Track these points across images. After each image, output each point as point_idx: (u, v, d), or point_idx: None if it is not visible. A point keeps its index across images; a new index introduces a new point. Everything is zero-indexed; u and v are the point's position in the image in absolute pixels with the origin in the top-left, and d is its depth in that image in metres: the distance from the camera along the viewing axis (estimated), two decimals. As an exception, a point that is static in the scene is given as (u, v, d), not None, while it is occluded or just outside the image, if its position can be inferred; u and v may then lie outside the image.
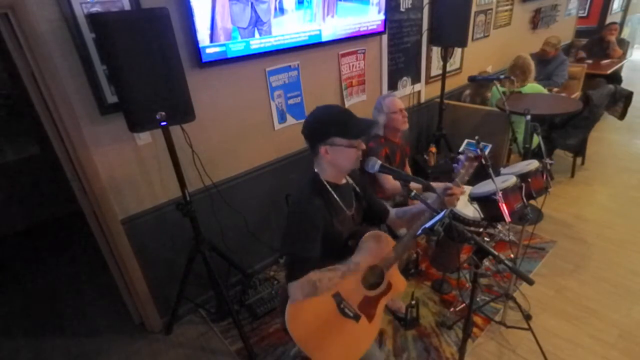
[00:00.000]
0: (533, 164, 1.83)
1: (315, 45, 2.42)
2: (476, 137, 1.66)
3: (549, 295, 2.37)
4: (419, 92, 3.52)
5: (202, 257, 2.05)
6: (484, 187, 1.76)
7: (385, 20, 2.74)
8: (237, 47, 2.06)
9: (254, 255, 2.70)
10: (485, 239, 2.60)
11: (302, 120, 2.55)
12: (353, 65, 2.81)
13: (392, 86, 3.20)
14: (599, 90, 3.47)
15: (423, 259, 2.67)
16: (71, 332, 2.44)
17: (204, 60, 1.96)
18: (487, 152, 2.83)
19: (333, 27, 2.47)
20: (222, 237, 2.38)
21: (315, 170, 1.46)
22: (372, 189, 2.38)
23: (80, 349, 2.30)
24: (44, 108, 1.76)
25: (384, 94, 2.63)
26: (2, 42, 1.65)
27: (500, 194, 1.58)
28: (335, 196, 1.46)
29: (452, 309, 2.30)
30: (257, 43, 2.13)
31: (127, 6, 1.71)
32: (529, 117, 2.39)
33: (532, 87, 3.33)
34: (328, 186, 1.45)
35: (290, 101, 2.52)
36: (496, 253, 1.23)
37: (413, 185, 1.38)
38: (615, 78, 4.94)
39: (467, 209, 1.93)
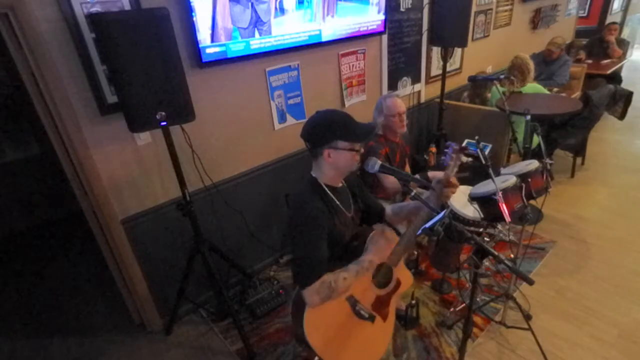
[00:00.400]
0: (533, 164, 1.83)
1: (315, 45, 2.42)
2: (476, 137, 1.67)
3: (549, 295, 2.37)
4: (419, 92, 3.52)
5: (202, 257, 2.05)
6: (484, 187, 1.76)
7: (385, 20, 2.74)
8: (237, 47, 2.06)
9: (254, 255, 2.70)
10: (485, 239, 2.60)
11: (302, 121, 2.61)
12: (353, 65, 2.81)
13: (392, 86, 3.20)
14: (599, 90, 3.47)
15: (423, 259, 2.67)
16: (71, 332, 2.44)
17: (204, 60, 1.96)
18: (487, 152, 2.84)
19: (333, 27, 2.47)
20: (222, 237, 2.39)
21: (313, 174, 1.47)
22: (372, 189, 2.40)
23: (80, 349, 2.30)
24: (44, 108, 1.76)
25: (386, 94, 2.62)
26: (2, 42, 1.65)
27: (500, 194, 1.58)
28: (334, 199, 1.47)
29: (452, 309, 2.30)
30: (257, 43, 2.14)
31: (127, 6, 1.71)
32: (529, 117, 2.39)
33: (533, 87, 3.33)
34: (327, 189, 1.45)
35: (290, 101, 2.52)
36: (496, 253, 1.23)
37: (413, 184, 1.38)
38: (615, 78, 4.94)
39: (467, 209, 1.93)
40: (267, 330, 2.27)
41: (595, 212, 3.15)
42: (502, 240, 2.82)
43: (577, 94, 4.38)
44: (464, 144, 2.95)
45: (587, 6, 6.52)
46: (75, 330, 2.45)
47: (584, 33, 5.95)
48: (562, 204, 3.26)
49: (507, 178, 1.72)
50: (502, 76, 2.79)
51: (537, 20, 4.90)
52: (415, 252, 2.59)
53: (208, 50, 1.96)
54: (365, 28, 2.66)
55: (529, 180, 1.75)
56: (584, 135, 3.54)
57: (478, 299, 2.31)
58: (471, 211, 1.89)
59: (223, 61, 2.04)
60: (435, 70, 3.57)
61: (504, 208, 1.57)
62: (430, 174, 2.30)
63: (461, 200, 1.93)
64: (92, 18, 1.59)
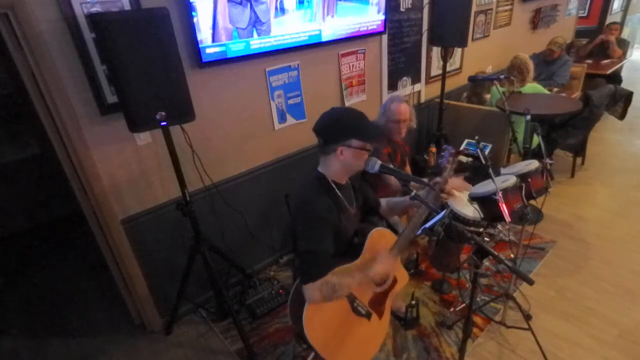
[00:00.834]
0: (533, 164, 1.83)
1: (315, 45, 2.42)
2: (476, 137, 1.67)
3: (549, 295, 2.37)
4: (419, 92, 3.52)
5: (202, 257, 2.05)
6: (484, 187, 1.76)
7: (385, 20, 2.74)
8: (237, 47, 2.06)
9: (254, 255, 2.70)
10: (485, 239, 2.60)
11: (303, 120, 2.61)
12: (353, 65, 2.81)
13: (392, 86, 3.20)
14: (599, 90, 3.47)
15: (423, 259, 2.67)
16: (71, 332, 2.44)
17: (204, 60, 1.96)
18: (487, 152, 2.84)
19: (333, 27, 2.47)
20: (222, 237, 2.39)
21: (320, 170, 1.48)
22: (373, 188, 2.40)
23: (80, 349, 2.30)
24: (44, 108, 1.76)
25: (394, 96, 2.58)
26: (2, 42, 1.65)
27: (500, 194, 1.58)
28: (340, 195, 1.48)
29: (452, 309, 2.30)
30: (257, 43, 2.13)
31: (127, 6, 1.71)
32: (529, 117, 2.39)
33: (533, 87, 3.33)
34: (334, 185, 1.46)
35: (290, 101, 2.52)
36: (496, 253, 1.24)
37: (413, 184, 1.39)
38: (615, 78, 4.94)
39: (467, 209, 1.93)
40: (267, 330, 2.27)
41: (595, 212, 3.15)
42: (502, 240, 2.82)
43: (577, 94, 4.38)
44: (464, 144, 2.95)
45: (587, 6, 6.52)
46: (75, 330, 2.45)
47: (584, 33, 5.94)
48: (562, 204, 3.26)
49: (507, 178, 1.72)
50: (502, 76, 2.78)
51: (537, 20, 4.90)
52: (415, 253, 2.59)
53: (208, 50, 1.96)
54: (365, 28, 2.66)
55: (529, 180, 1.75)
56: (584, 135, 3.54)
57: (478, 299, 2.31)
58: (471, 211, 1.89)
59: (223, 61, 2.04)
60: (435, 70, 3.57)
61: (504, 208, 1.57)
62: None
63: (461, 200, 1.93)
64: (92, 18, 1.59)
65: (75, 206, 2.32)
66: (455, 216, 1.98)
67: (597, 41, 5.19)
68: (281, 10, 2.16)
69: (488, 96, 3.75)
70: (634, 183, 3.52)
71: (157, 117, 1.60)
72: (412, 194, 1.35)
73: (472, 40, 3.85)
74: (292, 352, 2.10)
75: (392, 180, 2.28)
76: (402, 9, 3.00)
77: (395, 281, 1.59)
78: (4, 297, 2.83)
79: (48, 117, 1.78)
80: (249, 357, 2.10)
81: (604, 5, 6.40)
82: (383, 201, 1.75)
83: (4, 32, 1.60)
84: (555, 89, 4.04)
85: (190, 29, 1.89)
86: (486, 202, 1.69)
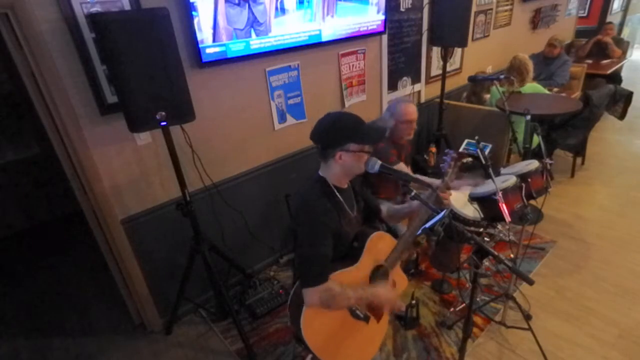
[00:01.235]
0: (533, 164, 1.83)
1: (315, 45, 2.42)
2: (476, 137, 1.67)
3: (549, 295, 2.37)
4: (419, 92, 3.52)
5: (202, 257, 2.05)
6: (484, 187, 1.76)
7: (385, 20, 2.74)
8: (237, 47, 2.06)
9: (254, 255, 2.70)
10: (485, 239, 2.60)
11: (302, 121, 2.61)
12: (353, 65, 2.81)
13: (392, 86, 3.20)
14: (599, 90, 3.47)
15: (423, 259, 2.67)
16: (71, 332, 2.44)
17: (204, 60, 1.96)
18: (487, 152, 2.83)
19: (333, 27, 2.47)
20: (222, 237, 2.39)
21: (322, 174, 1.47)
22: (374, 189, 2.40)
23: (80, 349, 2.30)
24: (44, 108, 1.76)
25: (400, 98, 2.59)
26: (2, 42, 1.65)
27: (500, 194, 1.58)
28: (341, 199, 1.47)
29: (452, 309, 2.30)
30: (257, 43, 2.13)
31: (127, 6, 1.71)
32: (529, 117, 2.39)
33: (533, 87, 3.33)
34: (335, 190, 1.46)
35: (290, 101, 2.52)
36: (496, 253, 1.24)
37: (413, 184, 1.39)
38: (615, 78, 4.94)
39: (467, 209, 1.93)
40: (267, 330, 2.27)
41: (595, 212, 3.15)
42: (502, 240, 2.82)
43: (577, 94, 4.38)
44: (464, 144, 2.95)
45: (587, 6, 6.52)
46: (75, 330, 2.45)
47: (584, 33, 5.95)
48: (562, 204, 3.26)
49: (507, 178, 1.72)
50: (501, 76, 2.78)
51: (537, 20, 4.90)
52: (415, 253, 2.59)
53: (208, 50, 1.96)
54: (365, 28, 2.66)
55: (529, 180, 1.75)
56: (584, 135, 3.54)
57: (478, 299, 2.31)
58: (471, 211, 1.89)
59: (223, 61, 2.04)
60: (435, 70, 3.57)
61: (504, 208, 1.57)
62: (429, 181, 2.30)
63: (461, 200, 1.93)
64: (92, 18, 1.59)
65: (75, 206, 2.32)
66: (455, 216, 1.99)
67: (593, 40, 5.20)
68: (281, 10, 2.16)
69: (487, 96, 3.75)
70: (634, 183, 3.53)
71: (157, 117, 1.60)
72: (412, 193, 1.35)
73: (472, 40, 3.85)
74: (292, 352, 2.10)
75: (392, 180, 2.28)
76: (402, 9, 3.00)
77: (393, 285, 1.59)
78: (4, 297, 2.83)
79: (48, 117, 1.78)
80: (249, 357, 2.10)
81: (604, 5, 6.40)
82: (384, 207, 1.74)
83: (4, 32, 1.60)
84: (555, 89, 4.04)
85: (190, 29, 1.89)
86: (486, 202, 1.69)
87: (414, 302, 2.16)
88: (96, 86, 1.74)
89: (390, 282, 1.57)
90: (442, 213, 1.24)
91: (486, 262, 2.57)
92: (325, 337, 1.40)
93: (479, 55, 4.09)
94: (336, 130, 1.40)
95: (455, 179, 1.58)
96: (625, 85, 4.64)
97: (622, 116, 3.75)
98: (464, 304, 2.29)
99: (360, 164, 1.43)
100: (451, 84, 3.77)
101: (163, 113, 1.60)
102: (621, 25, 7.02)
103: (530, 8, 4.72)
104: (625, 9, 7.10)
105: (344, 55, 2.71)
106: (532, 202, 1.79)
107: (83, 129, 1.76)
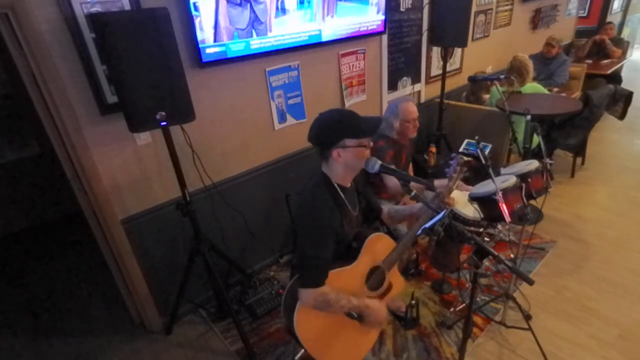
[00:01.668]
0: (533, 164, 1.83)
1: (315, 45, 2.42)
2: (476, 137, 1.67)
3: (549, 295, 2.37)
4: (419, 92, 3.52)
5: (202, 257, 2.05)
6: (484, 187, 1.76)
7: (385, 20, 2.74)
8: (237, 47, 2.06)
9: (254, 255, 2.70)
10: (485, 239, 2.60)
11: (303, 120, 2.61)
12: (353, 65, 2.81)
13: (392, 86, 3.20)
14: (599, 90, 3.47)
15: (423, 259, 2.67)
16: (71, 332, 2.44)
17: (204, 60, 1.96)
18: (487, 152, 2.83)
19: (333, 27, 2.47)
20: (222, 237, 2.39)
21: (325, 172, 1.46)
22: (377, 189, 2.40)
23: (80, 349, 2.30)
24: (44, 108, 1.76)
25: (400, 98, 2.61)
26: (2, 42, 1.65)
27: (500, 194, 1.58)
28: (344, 198, 1.47)
29: (452, 309, 2.30)
30: (257, 43, 2.13)
31: (127, 6, 1.71)
32: (529, 117, 2.39)
33: (533, 87, 3.33)
34: (338, 189, 1.45)
35: (291, 101, 2.52)
36: (496, 253, 1.23)
37: (413, 185, 1.38)
38: (615, 78, 4.94)
39: (467, 209, 1.93)
40: (267, 330, 2.27)
41: (595, 212, 3.15)
42: (502, 240, 2.82)
43: (577, 94, 4.38)
44: (464, 144, 2.95)
45: (587, 6, 6.52)
46: (75, 330, 2.45)
47: (584, 33, 5.95)
48: (562, 204, 3.26)
49: (507, 178, 1.72)
50: (501, 76, 2.78)
51: (537, 20, 4.90)
52: (415, 253, 2.59)
53: (208, 50, 1.96)
54: (365, 28, 2.66)
55: (529, 180, 1.75)
56: (584, 135, 3.54)
57: (478, 299, 2.31)
58: (471, 211, 1.89)
59: (223, 61, 2.04)
60: (435, 70, 3.57)
61: (504, 208, 1.57)
62: (437, 182, 2.28)
63: (461, 200, 1.93)
64: (92, 18, 1.59)
65: (75, 206, 2.32)
66: (455, 216, 1.99)
67: (593, 40, 5.20)
68: (282, 10, 2.16)
69: (486, 96, 3.75)
70: (634, 183, 3.52)
71: (157, 117, 1.60)
72: (412, 193, 1.35)
73: (472, 40, 3.85)
74: (292, 352, 2.10)
75: (391, 182, 2.28)
76: (402, 9, 3.00)
77: (390, 287, 1.58)
78: (4, 297, 2.83)
79: (48, 117, 1.78)
80: (249, 357, 2.10)
81: (604, 5, 6.40)
82: (385, 208, 1.74)
83: (4, 32, 1.60)
84: (555, 89, 4.05)
85: (191, 29, 1.89)
86: (486, 202, 1.69)
87: (414, 302, 2.15)
88: (96, 86, 1.74)
89: (387, 284, 1.56)
90: (442, 213, 1.24)
91: (486, 262, 2.57)
92: (317, 333, 1.41)
93: (479, 55, 4.09)
94: (329, 129, 1.39)
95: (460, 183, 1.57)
96: (625, 85, 4.64)
97: (622, 116, 3.75)
98: (464, 304, 2.29)
99: (360, 159, 1.41)
100: (451, 84, 3.77)
101: (163, 113, 1.60)
102: (621, 25, 7.02)
103: (530, 8, 4.72)
104: (625, 9, 7.10)
105: (344, 55, 2.71)
106: (532, 202, 1.79)
107: (83, 129, 1.76)
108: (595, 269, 2.55)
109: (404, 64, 3.23)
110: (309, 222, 1.38)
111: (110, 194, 1.94)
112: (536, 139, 2.57)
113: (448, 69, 3.34)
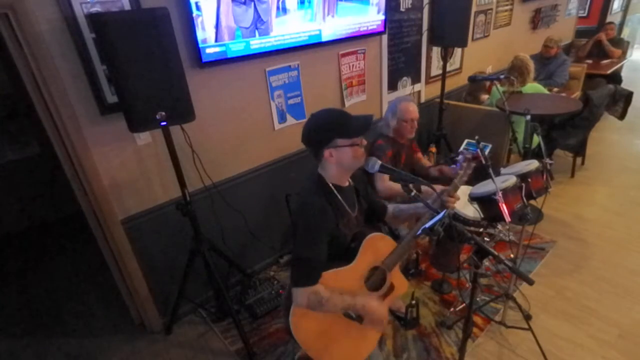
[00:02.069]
0: (533, 164, 1.83)
1: (315, 45, 2.42)
2: (476, 137, 1.66)
3: (549, 295, 2.37)
4: (419, 92, 3.53)
5: (202, 257, 2.05)
6: (484, 187, 1.76)
7: (385, 20, 2.74)
8: (237, 47, 2.06)
9: (254, 255, 2.70)
10: (485, 239, 2.60)
11: (303, 121, 2.60)
12: (353, 65, 2.81)
13: (392, 86, 3.20)
14: (599, 90, 3.47)
15: (423, 259, 2.67)
16: (71, 332, 2.44)
17: (204, 61, 1.96)
18: (487, 152, 2.83)
19: (333, 27, 2.47)
20: (222, 237, 2.38)
21: (320, 173, 1.46)
22: (373, 189, 2.39)
23: (80, 349, 2.30)
24: (44, 108, 1.76)
25: (402, 97, 2.60)
26: (2, 42, 1.65)
27: (500, 194, 1.58)
28: (340, 198, 1.46)
29: (452, 309, 2.30)
30: (257, 43, 2.13)
31: (127, 6, 1.71)
32: (529, 117, 2.39)
33: (533, 87, 3.33)
34: (333, 189, 1.45)
35: (291, 101, 2.52)
36: (496, 253, 1.23)
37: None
38: (615, 78, 4.94)
39: (467, 209, 1.93)
40: (267, 330, 2.27)
41: (595, 212, 3.15)
42: (502, 240, 2.82)
43: (577, 94, 4.38)
44: (464, 144, 2.95)
45: (587, 6, 6.52)
46: (75, 330, 2.45)
47: (584, 33, 5.95)
48: (562, 204, 3.26)
49: (507, 178, 1.72)
50: (502, 76, 2.78)
51: (537, 20, 4.90)
52: (415, 253, 2.59)
53: (208, 50, 1.96)
54: (365, 28, 2.66)
55: (529, 180, 1.75)
56: (584, 135, 3.54)
57: (478, 299, 2.31)
58: (471, 211, 1.89)
59: (223, 61, 2.04)
60: (435, 70, 3.57)
61: (504, 208, 1.57)
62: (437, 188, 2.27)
63: (461, 200, 1.93)
64: (92, 18, 1.59)
65: (75, 206, 2.32)
66: (455, 216, 1.99)
67: (593, 40, 5.20)
68: (283, 10, 2.16)
69: (484, 97, 3.76)
70: (634, 183, 3.52)
71: (157, 117, 1.60)
72: (412, 193, 1.35)
73: (472, 40, 3.85)
74: (292, 352, 2.10)
75: (381, 185, 2.28)
76: (402, 9, 3.00)
77: (392, 287, 1.57)
78: (4, 297, 2.83)
79: (48, 117, 1.78)
80: (249, 357, 2.10)
81: (604, 5, 6.40)
82: (390, 207, 1.72)
83: (4, 32, 1.60)
84: (555, 89, 4.04)
85: (191, 29, 1.89)
86: (486, 202, 1.69)
87: (414, 302, 2.15)
88: (96, 86, 1.74)
89: (388, 285, 1.55)
90: (442, 213, 1.24)
91: (486, 262, 2.57)
92: (314, 335, 1.40)
93: (479, 55, 4.09)
94: (319, 129, 1.39)
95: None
96: (625, 85, 4.64)
97: (622, 116, 3.75)
98: (464, 304, 2.29)
99: (354, 159, 1.40)
100: (451, 84, 3.77)
101: (163, 113, 1.61)
102: (621, 25, 7.02)
103: (530, 8, 4.72)
104: (625, 9, 7.10)
105: (344, 55, 2.71)
106: (532, 202, 1.79)
107: (83, 129, 1.76)
108: (595, 269, 2.55)
109: (404, 64, 3.23)
110: (302, 222, 1.38)
111: (110, 194, 1.94)
112: (536, 139, 2.57)
113: (448, 69, 3.34)
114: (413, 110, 2.32)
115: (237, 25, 2.01)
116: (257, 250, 2.69)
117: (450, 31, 2.99)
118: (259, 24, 2.10)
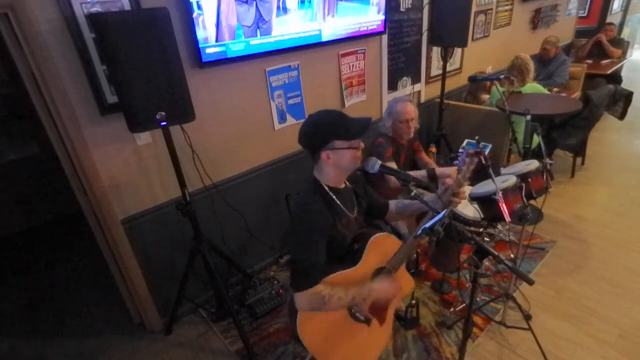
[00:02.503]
0: (533, 164, 1.83)
1: (315, 45, 2.42)
2: (476, 137, 1.66)
3: (549, 295, 2.37)
4: (419, 92, 3.52)
5: (202, 257, 2.05)
6: (484, 187, 1.76)
7: (385, 20, 2.74)
8: (237, 47, 2.06)
9: (254, 255, 2.70)
10: (485, 239, 2.60)
11: (302, 121, 2.60)
12: (353, 65, 2.81)
13: (392, 86, 3.20)
14: (599, 90, 3.47)
15: (423, 259, 2.67)
16: (71, 332, 2.44)
17: (204, 60, 1.96)
18: (487, 152, 2.83)
19: (333, 27, 2.47)
20: (222, 237, 2.38)
21: (315, 176, 1.45)
22: (375, 189, 2.39)
23: (80, 349, 2.30)
24: (44, 108, 1.76)
25: (399, 97, 2.60)
26: (2, 42, 1.65)
27: (500, 194, 1.58)
28: (337, 201, 1.45)
29: (452, 309, 2.30)
30: (257, 43, 2.13)
31: (127, 6, 1.71)
32: (529, 117, 2.39)
33: (533, 87, 3.33)
34: (329, 191, 1.44)
35: (291, 101, 2.52)
36: (496, 253, 1.23)
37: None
38: (615, 78, 4.94)
39: (467, 209, 1.93)
40: (267, 330, 2.27)
41: (595, 212, 3.15)
42: (502, 240, 2.82)
43: (577, 94, 4.38)
44: (464, 144, 2.94)
45: (587, 6, 6.52)
46: (75, 330, 2.45)
47: (584, 33, 5.95)
48: (562, 204, 3.26)
49: (507, 178, 1.72)
50: (502, 76, 2.78)
51: (537, 20, 4.90)
52: (415, 253, 2.59)
53: (208, 50, 1.96)
54: (365, 28, 2.66)
55: (529, 180, 1.75)
56: (584, 135, 3.54)
57: (478, 299, 2.31)
58: (471, 211, 1.89)
59: (223, 61, 2.04)
60: (435, 70, 3.57)
61: (504, 208, 1.57)
62: (438, 170, 2.25)
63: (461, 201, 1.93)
64: (92, 18, 1.59)
65: (75, 206, 2.32)
66: (455, 216, 1.99)
67: (593, 40, 5.20)
68: (283, 9, 2.16)
69: (485, 96, 3.75)
70: (634, 183, 3.52)
71: (157, 117, 1.60)
72: (412, 193, 1.35)
73: (472, 40, 3.85)
74: (292, 352, 2.10)
75: (393, 182, 2.27)
76: (402, 9, 3.00)
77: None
78: (4, 297, 2.83)
79: (48, 117, 1.78)
80: (249, 357, 2.10)
81: (604, 5, 6.40)
82: (392, 204, 1.71)
83: (4, 32, 1.60)
84: (555, 89, 4.04)
85: (191, 29, 1.89)
86: (486, 202, 1.69)
87: (414, 302, 2.15)
88: (96, 86, 1.74)
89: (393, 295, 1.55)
90: (442, 213, 1.24)
91: (486, 262, 2.57)
92: (321, 338, 1.39)
93: (479, 55, 4.09)
94: (317, 130, 1.38)
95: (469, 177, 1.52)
96: (625, 85, 4.64)
97: (622, 116, 3.75)
98: (464, 304, 2.29)
99: (352, 161, 1.40)
100: (451, 84, 3.77)
101: (163, 113, 1.61)
102: (621, 25, 7.02)
103: (530, 8, 4.72)
104: (625, 9, 7.10)
105: (344, 55, 2.71)
106: (532, 202, 1.79)
107: (83, 129, 1.76)
108: (595, 269, 2.55)
109: (404, 64, 3.23)
110: (297, 225, 1.38)
111: (110, 194, 1.94)
112: (536, 139, 2.56)
113: (448, 69, 3.34)
114: (408, 110, 2.30)
115: (240, 24, 2.01)
116: (257, 250, 2.69)
117: (450, 31, 2.99)
118: (261, 23, 2.10)
